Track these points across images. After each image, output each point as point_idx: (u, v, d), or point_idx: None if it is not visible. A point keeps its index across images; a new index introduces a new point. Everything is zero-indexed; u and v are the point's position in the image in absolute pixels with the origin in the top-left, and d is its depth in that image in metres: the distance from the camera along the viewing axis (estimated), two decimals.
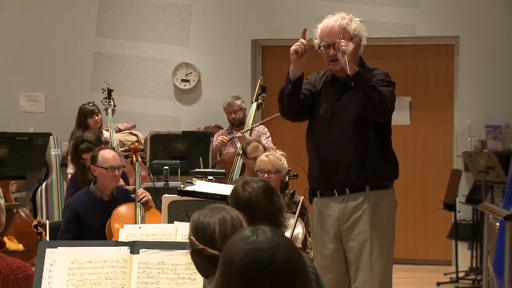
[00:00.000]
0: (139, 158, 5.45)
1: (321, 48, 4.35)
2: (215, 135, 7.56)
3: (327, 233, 4.38)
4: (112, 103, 7.56)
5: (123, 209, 5.10)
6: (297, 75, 4.29)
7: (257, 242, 1.99)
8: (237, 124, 7.70)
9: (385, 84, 4.33)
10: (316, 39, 4.39)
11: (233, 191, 3.45)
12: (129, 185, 6.07)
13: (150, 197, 5.19)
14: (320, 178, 4.43)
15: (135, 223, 4.94)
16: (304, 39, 4.27)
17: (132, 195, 5.19)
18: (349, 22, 4.35)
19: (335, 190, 4.37)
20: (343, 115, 4.36)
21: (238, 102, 7.80)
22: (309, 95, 4.44)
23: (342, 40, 4.23)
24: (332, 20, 4.35)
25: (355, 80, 4.21)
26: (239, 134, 7.22)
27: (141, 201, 5.12)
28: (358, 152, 4.32)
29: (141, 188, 5.21)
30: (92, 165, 5.33)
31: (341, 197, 4.36)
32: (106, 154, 5.29)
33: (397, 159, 4.54)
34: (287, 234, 3.67)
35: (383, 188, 4.39)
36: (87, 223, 5.16)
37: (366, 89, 4.19)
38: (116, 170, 5.25)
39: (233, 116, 7.72)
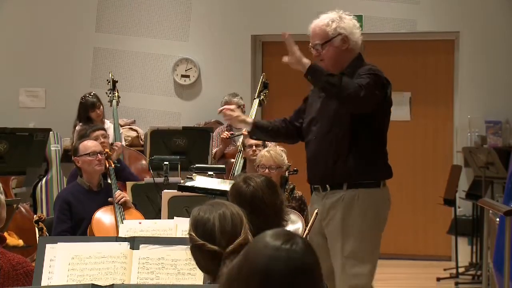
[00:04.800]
0: (112, 164, 5.56)
1: (311, 48, 4.42)
2: (215, 131, 7.56)
3: (314, 228, 4.38)
4: (116, 94, 7.57)
5: (102, 213, 5.18)
6: (250, 130, 4.62)
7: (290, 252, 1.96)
8: None
9: (362, 77, 4.27)
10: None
11: (235, 187, 3.45)
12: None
13: (127, 198, 5.28)
14: (308, 174, 4.48)
15: (116, 225, 5.01)
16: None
17: (110, 198, 5.26)
18: (330, 23, 4.36)
19: (319, 186, 4.39)
20: (325, 113, 4.37)
21: (235, 99, 7.76)
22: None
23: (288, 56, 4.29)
24: (316, 21, 4.40)
25: (311, 74, 4.21)
26: (244, 132, 7.22)
27: (120, 202, 5.19)
28: (336, 149, 4.30)
29: (118, 190, 5.30)
30: (75, 158, 5.45)
31: (323, 193, 4.37)
32: (86, 143, 5.48)
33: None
34: (288, 228, 3.67)
35: (362, 187, 4.31)
36: (79, 214, 5.23)
37: (324, 79, 4.19)
38: (99, 154, 5.37)
39: None
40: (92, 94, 7.70)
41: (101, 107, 7.62)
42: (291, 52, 4.23)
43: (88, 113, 7.56)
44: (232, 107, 4.66)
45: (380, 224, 4.36)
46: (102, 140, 6.16)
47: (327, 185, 4.35)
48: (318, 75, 4.19)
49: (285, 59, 4.26)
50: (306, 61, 4.22)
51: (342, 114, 4.30)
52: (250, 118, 4.68)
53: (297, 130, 4.56)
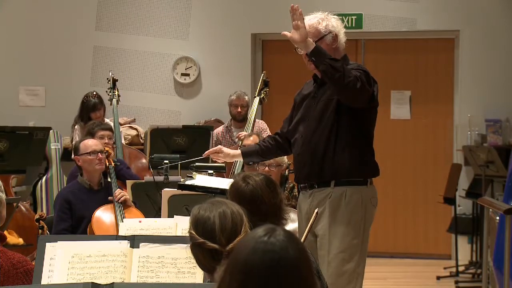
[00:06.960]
0: (112, 163, 5.57)
1: (297, 49, 4.33)
2: (215, 130, 7.57)
3: (301, 227, 4.37)
4: (116, 93, 7.58)
5: (102, 211, 5.19)
6: (243, 158, 4.65)
7: (273, 246, 1.99)
8: (239, 119, 7.72)
9: (353, 71, 4.23)
10: None
11: (234, 186, 3.45)
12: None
13: (127, 196, 5.29)
14: (295, 173, 4.47)
15: (116, 223, 5.02)
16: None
17: (110, 197, 5.27)
18: (320, 21, 4.34)
19: (306, 185, 4.37)
20: (312, 112, 4.36)
21: (246, 98, 7.86)
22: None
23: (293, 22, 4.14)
24: (305, 21, 4.34)
25: (315, 55, 4.13)
26: (240, 133, 7.24)
27: (120, 201, 5.20)
28: (323, 147, 4.29)
29: (118, 189, 5.31)
30: (75, 156, 5.48)
31: (309, 192, 4.35)
32: (87, 142, 5.51)
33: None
34: (288, 227, 3.67)
35: (350, 184, 4.30)
36: (80, 213, 5.25)
37: (328, 61, 4.11)
38: (99, 153, 5.40)
39: (239, 110, 7.74)
40: (95, 94, 7.69)
41: (102, 109, 7.63)
42: (297, 26, 4.10)
43: (89, 114, 7.58)
44: (217, 148, 4.66)
45: (368, 221, 4.35)
46: (107, 141, 6.17)
47: (314, 184, 4.33)
48: (322, 57, 4.13)
49: (287, 34, 4.14)
50: (311, 40, 4.16)
51: (329, 113, 4.29)
52: (237, 151, 4.70)
53: (288, 141, 4.54)
